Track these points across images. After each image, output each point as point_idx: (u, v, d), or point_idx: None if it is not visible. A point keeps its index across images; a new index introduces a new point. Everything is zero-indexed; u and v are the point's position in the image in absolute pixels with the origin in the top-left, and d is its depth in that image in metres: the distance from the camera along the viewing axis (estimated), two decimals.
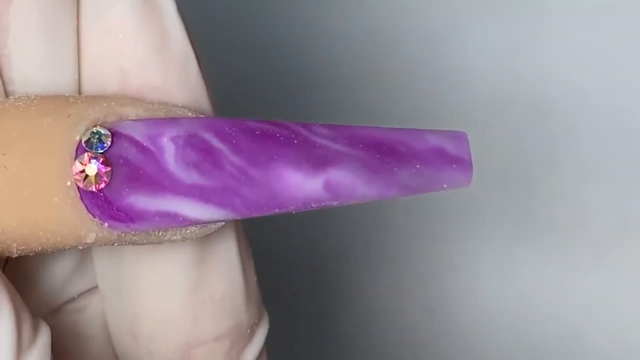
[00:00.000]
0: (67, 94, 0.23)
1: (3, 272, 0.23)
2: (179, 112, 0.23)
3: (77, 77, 0.24)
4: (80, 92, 0.24)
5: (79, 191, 0.22)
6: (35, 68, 0.23)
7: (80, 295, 0.26)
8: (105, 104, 0.22)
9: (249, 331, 0.26)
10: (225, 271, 0.26)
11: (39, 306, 0.25)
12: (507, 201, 0.48)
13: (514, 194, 0.48)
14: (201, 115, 0.23)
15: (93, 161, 0.22)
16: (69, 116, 0.22)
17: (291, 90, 0.48)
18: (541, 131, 0.47)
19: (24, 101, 0.22)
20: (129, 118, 0.22)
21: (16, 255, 0.23)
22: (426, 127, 0.24)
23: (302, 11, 0.47)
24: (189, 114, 0.23)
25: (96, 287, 0.26)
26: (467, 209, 0.48)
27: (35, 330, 0.22)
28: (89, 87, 0.24)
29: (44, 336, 0.22)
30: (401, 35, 0.47)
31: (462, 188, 0.24)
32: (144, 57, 0.23)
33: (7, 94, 0.23)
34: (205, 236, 0.24)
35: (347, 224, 0.48)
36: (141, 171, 0.22)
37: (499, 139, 0.47)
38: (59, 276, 0.25)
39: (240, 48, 0.47)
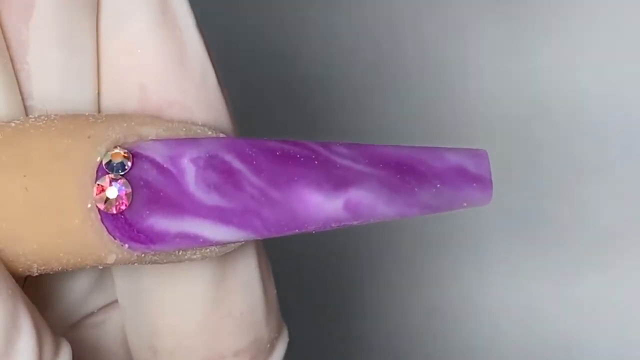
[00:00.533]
0: (87, 113, 0.23)
1: (22, 289, 0.23)
2: (199, 131, 0.23)
3: (96, 92, 0.24)
4: (99, 108, 0.24)
5: (99, 213, 0.22)
6: (55, 83, 0.23)
7: (99, 310, 0.26)
8: (125, 124, 0.22)
9: (268, 345, 0.26)
10: (245, 287, 0.26)
11: (58, 322, 0.25)
12: (508, 202, 0.48)
13: (515, 195, 0.48)
14: (221, 134, 0.23)
15: (114, 183, 0.22)
16: (89, 137, 0.22)
17: (291, 91, 0.48)
18: (541, 131, 0.47)
19: (44, 121, 0.22)
20: (149, 138, 0.22)
21: (36, 274, 0.23)
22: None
23: (303, 14, 0.47)
24: (209, 132, 0.23)
25: (116, 301, 0.26)
26: (468, 210, 0.48)
27: (56, 348, 0.22)
28: (108, 102, 0.24)
29: (65, 354, 0.22)
30: (401, 36, 0.47)
31: (481, 206, 0.24)
32: (164, 73, 0.23)
33: (26, 109, 0.23)
34: (224, 255, 0.24)
35: (348, 229, 0.48)
36: (162, 193, 0.22)
37: (498, 139, 0.47)
38: (79, 292, 0.25)
39: (243, 52, 0.47)
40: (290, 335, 0.28)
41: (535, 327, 0.48)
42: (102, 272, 0.26)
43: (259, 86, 0.47)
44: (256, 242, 0.26)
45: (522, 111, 0.47)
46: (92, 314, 0.26)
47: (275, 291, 0.27)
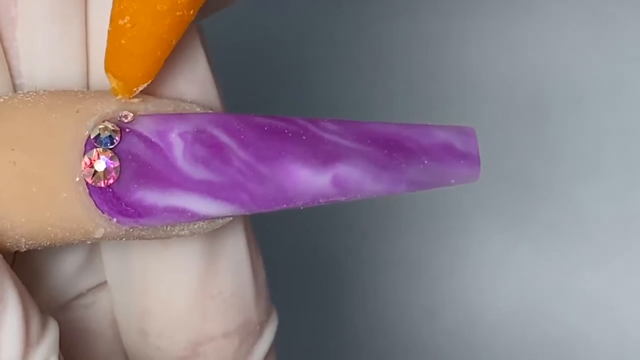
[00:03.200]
0: (76, 89, 0.23)
1: (11, 268, 0.23)
2: (187, 107, 0.23)
3: (85, 69, 0.24)
4: (88, 84, 0.24)
5: (87, 187, 0.22)
6: (44, 60, 0.23)
7: (88, 291, 0.26)
8: (114, 99, 0.22)
9: (258, 328, 0.26)
10: (234, 267, 0.26)
11: (47, 302, 0.25)
12: (507, 201, 0.48)
13: (514, 194, 0.48)
14: (209, 111, 0.23)
15: (102, 157, 0.22)
16: (77, 112, 0.22)
17: (290, 90, 0.48)
18: (541, 131, 0.48)
19: (32, 96, 0.22)
20: (138, 113, 0.22)
21: (24, 249, 0.23)
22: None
23: (302, 12, 0.47)
24: (198, 109, 0.23)
25: (105, 283, 0.26)
26: (467, 209, 0.48)
27: (43, 326, 0.22)
28: (97, 79, 0.24)
29: (53, 332, 0.22)
30: (401, 35, 0.47)
31: (470, 183, 0.24)
32: None
33: (15, 87, 0.23)
34: (214, 232, 0.24)
35: (347, 228, 0.48)
36: (150, 167, 0.22)
37: (498, 139, 0.47)
38: (67, 272, 0.25)
39: (237, 47, 0.47)
40: (284, 337, 0.28)
41: (534, 327, 0.48)
42: (91, 252, 0.26)
43: (254, 88, 0.47)
44: (245, 224, 0.26)
45: (522, 111, 0.47)
46: (81, 295, 0.26)
47: (264, 274, 0.27)
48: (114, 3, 0.22)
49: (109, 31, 0.22)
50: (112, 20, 0.22)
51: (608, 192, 0.47)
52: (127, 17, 0.21)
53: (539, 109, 0.47)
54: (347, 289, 0.49)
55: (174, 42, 0.22)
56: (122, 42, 0.21)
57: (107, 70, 0.22)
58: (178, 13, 0.21)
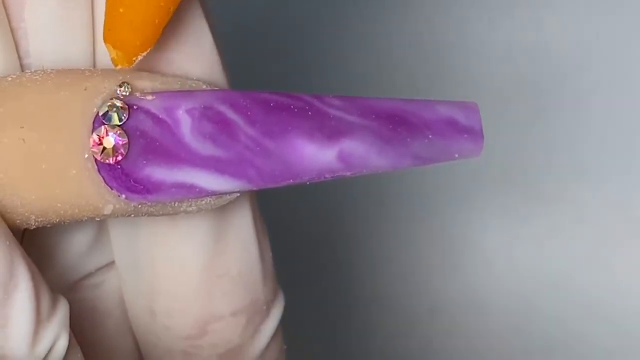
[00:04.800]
0: (83, 67, 0.23)
1: (21, 245, 0.23)
2: (194, 84, 0.23)
3: (92, 48, 0.24)
4: (95, 63, 0.24)
5: (96, 163, 0.22)
6: (52, 40, 0.23)
7: (97, 270, 0.26)
8: (121, 77, 0.23)
9: (265, 307, 0.27)
10: (241, 246, 0.26)
11: (57, 281, 0.25)
12: (508, 201, 0.48)
13: (515, 195, 0.48)
14: (216, 88, 0.24)
15: (110, 134, 0.22)
16: (85, 89, 0.22)
17: (289, 89, 0.48)
18: (541, 131, 0.48)
19: (40, 75, 0.22)
20: (145, 91, 0.23)
21: (34, 226, 0.23)
22: None
23: (303, 10, 0.47)
24: (204, 86, 0.23)
25: (113, 262, 0.26)
26: (468, 209, 0.48)
27: (54, 303, 0.22)
28: (103, 58, 0.24)
29: (63, 309, 0.23)
30: (401, 35, 0.48)
31: (473, 158, 0.24)
32: None
33: (22, 67, 0.23)
34: (221, 211, 0.25)
35: (348, 227, 0.49)
36: (158, 143, 0.22)
37: (499, 139, 0.47)
38: (76, 252, 0.26)
39: (235, 41, 0.47)
40: (289, 332, 0.28)
41: (535, 327, 0.48)
42: (100, 232, 0.26)
43: (255, 83, 0.47)
44: (252, 205, 0.26)
45: (522, 111, 0.47)
46: (90, 275, 0.26)
47: (271, 254, 0.27)
48: None
49: (107, 1, 0.22)
50: None
51: (608, 192, 0.48)
52: None
53: (540, 110, 0.47)
54: (347, 285, 0.49)
55: (171, 9, 0.22)
56: (120, 10, 0.22)
57: (105, 40, 0.22)
58: None
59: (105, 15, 0.22)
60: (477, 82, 0.47)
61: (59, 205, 0.22)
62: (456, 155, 0.24)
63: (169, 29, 0.24)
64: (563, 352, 0.48)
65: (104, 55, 0.24)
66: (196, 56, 0.24)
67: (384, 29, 0.47)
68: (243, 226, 0.26)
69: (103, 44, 0.23)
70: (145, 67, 0.24)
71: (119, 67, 0.22)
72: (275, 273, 0.28)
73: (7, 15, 0.23)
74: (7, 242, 0.22)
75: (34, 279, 0.22)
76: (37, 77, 0.22)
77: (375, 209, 0.49)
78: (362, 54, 0.48)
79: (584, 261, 0.48)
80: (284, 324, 0.28)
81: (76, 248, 0.26)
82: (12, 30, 0.23)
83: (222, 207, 0.24)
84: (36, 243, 0.25)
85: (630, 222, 0.47)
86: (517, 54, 0.47)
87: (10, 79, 0.23)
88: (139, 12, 0.22)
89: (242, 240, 0.26)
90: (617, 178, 0.48)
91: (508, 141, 0.48)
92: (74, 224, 0.24)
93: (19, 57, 0.23)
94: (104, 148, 0.22)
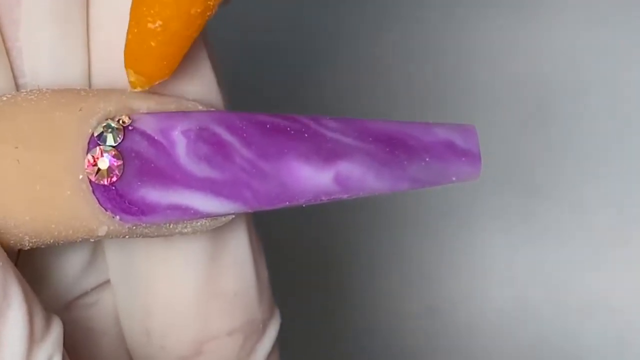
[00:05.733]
0: (79, 87, 0.23)
1: (15, 266, 0.23)
2: (189, 105, 0.23)
3: (87, 68, 0.24)
4: (90, 83, 0.24)
5: (91, 184, 0.22)
6: (46, 60, 0.23)
7: (92, 289, 0.26)
8: (116, 98, 0.22)
9: (261, 326, 0.27)
10: (237, 265, 0.26)
11: (51, 301, 0.25)
12: (508, 202, 0.48)
13: (515, 195, 0.48)
14: (212, 109, 0.23)
15: (105, 155, 0.22)
16: (80, 110, 0.22)
17: (290, 90, 0.48)
18: (541, 132, 0.48)
19: (35, 94, 0.22)
20: (140, 111, 0.23)
21: (28, 247, 0.23)
22: None
23: (303, 12, 0.47)
24: (200, 107, 0.23)
25: (108, 281, 0.26)
26: (467, 209, 0.48)
27: (47, 323, 0.22)
28: (98, 79, 0.24)
29: (56, 329, 0.23)
30: (401, 35, 0.47)
31: (471, 181, 0.24)
32: None
33: (18, 87, 0.23)
34: (217, 230, 0.25)
35: (347, 226, 0.49)
36: (153, 165, 0.22)
37: (499, 140, 0.47)
38: (71, 271, 0.25)
39: (238, 46, 0.47)
40: (284, 333, 0.28)
41: (534, 327, 0.48)
42: (95, 252, 0.26)
43: (256, 87, 0.47)
44: (247, 222, 0.26)
45: (522, 112, 0.47)
46: (85, 294, 0.26)
47: (267, 273, 0.27)
48: (139, 6, 0.22)
49: (134, 32, 0.22)
50: (140, 23, 0.22)
51: (608, 193, 0.48)
52: (159, 22, 0.21)
53: (540, 111, 0.47)
54: (347, 288, 0.49)
55: (195, 36, 0.22)
56: (152, 44, 0.22)
57: (127, 66, 0.22)
58: (208, 13, 0.22)
59: (131, 45, 0.22)
60: (480, 84, 0.47)
61: (53, 226, 0.22)
62: (454, 179, 0.24)
63: None
64: (564, 352, 0.48)
65: (99, 75, 0.24)
66: (193, 76, 0.24)
67: (387, 49, 0.47)
68: (239, 246, 0.26)
69: (97, 62, 0.23)
70: None
71: (134, 89, 0.22)
72: (272, 291, 0.27)
73: (2, 34, 0.23)
74: (0, 263, 0.22)
75: (27, 298, 0.22)
76: (32, 96, 0.22)
77: (372, 210, 0.49)
78: (360, 60, 0.48)
79: (585, 262, 0.48)
80: (281, 341, 0.28)
81: (71, 268, 0.25)
82: (6, 49, 0.23)
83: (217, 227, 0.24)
84: (31, 263, 0.25)
85: (631, 223, 0.47)
86: (517, 53, 0.47)
87: (5, 98, 0.22)
88: (171, 45, 0.22)
89: (238, 259, 0.26)
90: (618, 179, 0.47)
91: (508, 141, 0.48)
92: (68, 244, 0.24)
93: (14, 77, 0.23)
94: (99, 169, 0.22)
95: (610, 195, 0.47)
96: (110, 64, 0.24)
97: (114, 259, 0.26)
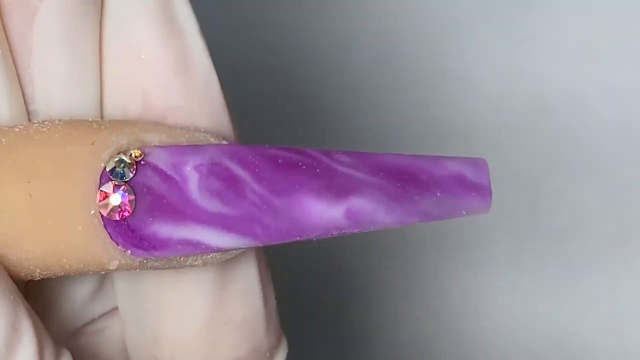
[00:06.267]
0: (91, 119, 0.23)
1: (23, 295, 0.23)
2: (201, 137, 0.23)
3: (99, 96, 0.24)
4: (102, 112, 0.24)
5: (102, 219, 0.22)
6: (58, 87, 0.23)
7: (100, 317, 0.26)
8: (128, 131, 0.22)
9: (268, 354, 0.27)
10: (245, 294, 0.26)
11: (59, 329, 0.25)
12: (508, 203, 0.48)
13: (515, 196, 0.48)
14: (224, 142, 0.23)
15: (117, 190, 0.22)
16: (93, 144, 0.22)
17: (290, 92, 0.48)
18: (541, 134, 0.48)
19: (47, 127, 0.22)
20: (152, 144, 0.22)
21: (39, 278, 0.23)
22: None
23: (304, 15, 0.47)
24: (212, 139, 0.23)
25: (116, 308, 0.26)
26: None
27: (57, 356, 0.22)
28: (110, 106, 0.24)
29: None
30: (401, 36, 0.47)
31: (481, 214, 0.24)
32: (167, 79, 0.23)
33: (29, 114, 0.23)
34: (225, 262, 0.25)
35: (352, 236, 0.48)
36: (165, 200, 0.22)
37: (499, 141, 0.47)
38: (80, 300, 0.25)
39: (241, 52, 0.47)
40: (289, 337, 0.28)
41: (534, 327, 0.48)
42: (103, 279, 0.26)
43: (255, 87, 0.47)
44: (257, 249, 0.26)
45: (522, 113, 0.47)
46: (92, 321, 0.26)
47: (274, 301, 0.27)
48: None
49: None
50: None
51: (608, 194, 0.48)
52: None
53: (540, 111, 0.47)
54: (350, 291, 0.49)
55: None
56: None
57: None
58: None
59: None
60: (478, 86, 0.47)
61: (64, 260, 0.22)
62: (464, 212, 0.24)
63: (177, 77, 0.24)
64: (565, 352, 0.48)
65: (111, 101, 0.24)
66: (204, 104, 0.24)
67: (388, 51, 0.47)
68: (248, 275, 0.26)
69: (110, 90, 0.23)
70: (154, 116, 0.24)
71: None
72: (278, 319, 0.27)
73: (15, 61, 0.23)
74: (12, 297, 0.22)
75: (37, 333, 0.22)
76: (45, 129, 0.22)
77: None
78: (360, 60, 0.48)
79: (585, 263, 0.48)
80: None
81: (79, 296, 0.25)
82: (18, 76, 0.23)
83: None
84: (39, 292, 0.25)
85: (631, 224, 0.47)
86: (517, 54, 0.47)
87: (17, 129, 0.22)
88: None
89: (246, 289, 0.26)
90: (618, 181, 0.48)
91: (509, 144, 0.48)
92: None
93: (25, 103, 0.23)
94: (111, 204, 0.22)
95: (610, 197, 0.47)
96: (122, 93, 0.24)
97: (123, 287, 0.26)
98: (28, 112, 0.23)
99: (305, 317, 0.48)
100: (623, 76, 0.47)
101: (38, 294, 0.25)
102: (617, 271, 0.48)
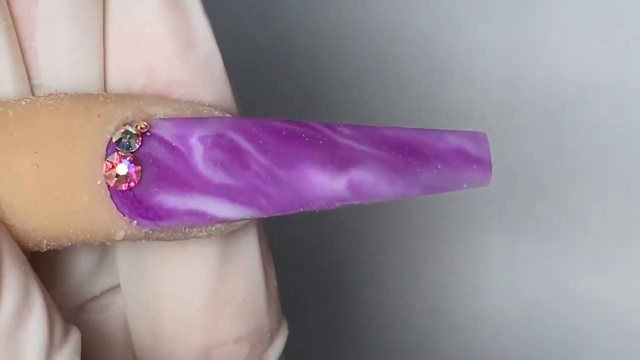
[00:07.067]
0: (96, 93, 0.23)
1: None
2: (205, 111, 0.23)
3: (102, 71, 0.24)
4: (106, 86, 0.24)
5: (109, 190, 0.22)
6: (63, 61, 0.23)
7: (103, 293, 0.26)
8: (134, 104, 0.23)
9: (269, 335, 0.27)
10: (247, 272, 0.26)
11: (63, 303, 0.25)
12: (509, 202, 0.48)
13: (516, 195, 0.48)
14: (227, 115, 0.24)
15: (123, 161, 0.22)
16: (99, 116, 0.22)
17: (292, 89, 0.48)
18: (542, 133, 0.48)
19: (54, 100, 0.23)
20: (158, 117, 0.23)
21: (45, 250, 0.23)
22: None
23: (306, 11, 0.47)
24: (216, 112, 0.23)
25: (118, 286, 0.26)
26: (469, 209, 0.48)
27: (66, 330, 0.23)
28: (115, 81, 0.24)
29: (75, 337, 0.23)
30: (403, 35, 0.48)
31: (481, 187, 0.24)
32: (171, 54, 0.24)
33: (33, 88, 0.23)
34: (228, 237, 0.25)
35: (350, 227, 0.49)
36: (170, 171, 0.22)
37: (501, 140, 0.47)
38: (82, 272, 0.26)
39: (244, 45, 0.47)
40: (290, 336, 0.28)
41: (535, 327, 0.48)
42: (105, 253, 0.26)
43: (261, 84, 0.47)
44: (259, 230, 0.26)
45: (524, 112, 0.48)
46: (95, 297, 0.26)
47: (275, 282, 0.27)
48: None
49: None
50: None
51: (609, 193, 0.48)
52: None
53: (540, 112, 0.48)
54: (353, 288, 0.49)
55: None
56: None
57: None
58: None
59: None
60: (481, 84, 0.48)
61: (71, 230, 0.22)
62: (465, 185, 0.24)
63: (181, 52, 0.24)
64: (565, 351, 0.48)
65: (115, 77, 0.24)
66: (207, 79, 0.24)
67: (391, 49, 0.48)
68: (249, 252, 0.26)
69: (113, 63, 0.24)
70: (158, 90, 0.24)
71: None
72: (280, 302, 0.28)
73: (18, 34, 0.23)
74: (23, 268, 0.22)
75: (47, 306, 0.22)
76: (51, 102, 0.22)
77: (381, 210, 0.49)
78: (360, 61, 0.48)
79: (585, 262, 0.48)
80: (287, 354, 0.28)
81: (82, 269, 0.26)
82: (22, 50, 0.23)
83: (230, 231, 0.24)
84: (42, 264, 0.25)
85: (631, 224, 0.48)
86: (518, 54, 0.47)
87: (24, 102, 0.23)
88: None
89: (248, 267, 0.26)
90: (618, 180, 0.48)
91: (509, 143, 0.48)
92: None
93: (30, 78, 0.23)
94: (117, 175, 0.22)
95: (611, 196, 0.48)
96: (127, 67, 0.24)
97: (124, 261, 0.26)
98: (32, 86, 0.23)
99: (307, 310, 0.48)
100: (624, 76, 0.47)
101: (41, 267, 0.25)
102: (618, 270, 0.48)
